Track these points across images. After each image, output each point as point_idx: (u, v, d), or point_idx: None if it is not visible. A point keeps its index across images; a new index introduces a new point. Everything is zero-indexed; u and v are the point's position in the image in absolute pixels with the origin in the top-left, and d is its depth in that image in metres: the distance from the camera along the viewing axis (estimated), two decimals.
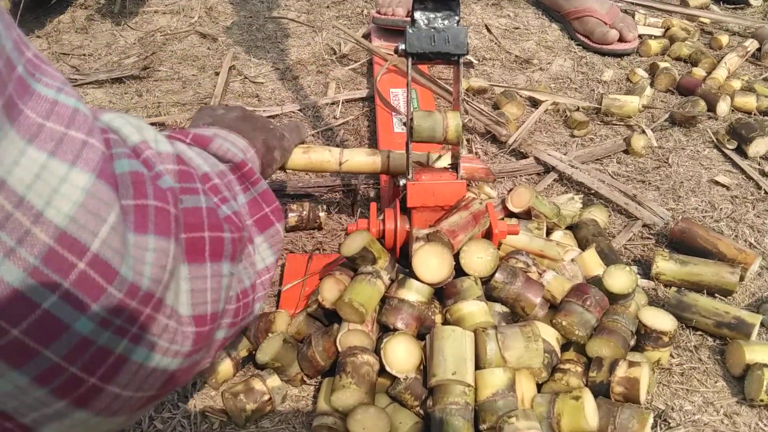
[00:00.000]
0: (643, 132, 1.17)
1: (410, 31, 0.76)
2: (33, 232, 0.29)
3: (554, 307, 0.76)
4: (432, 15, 0.77)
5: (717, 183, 1.06)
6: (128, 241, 0.34)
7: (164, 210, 0.37)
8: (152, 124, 1.16)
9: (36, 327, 0.30)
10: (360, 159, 0.84)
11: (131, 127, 0.41)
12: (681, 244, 0.91)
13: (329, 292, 0.73)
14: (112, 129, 0.40)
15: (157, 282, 0.35)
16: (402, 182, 0.78)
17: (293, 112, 1.21)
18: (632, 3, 1.64)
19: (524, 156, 1.11)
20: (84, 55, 1.41)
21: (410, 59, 0.77)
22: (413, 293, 0.70)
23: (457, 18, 0.77)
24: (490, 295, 0.74)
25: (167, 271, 0.36)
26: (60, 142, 0.31)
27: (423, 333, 0.71)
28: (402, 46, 0.77)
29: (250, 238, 0.52)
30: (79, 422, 0.35)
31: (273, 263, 0.55)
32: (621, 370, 0.68)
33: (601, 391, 0.68)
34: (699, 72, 1.34)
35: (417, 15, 0.77)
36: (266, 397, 0.69)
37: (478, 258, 0.72)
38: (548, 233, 0.89)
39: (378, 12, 1.41)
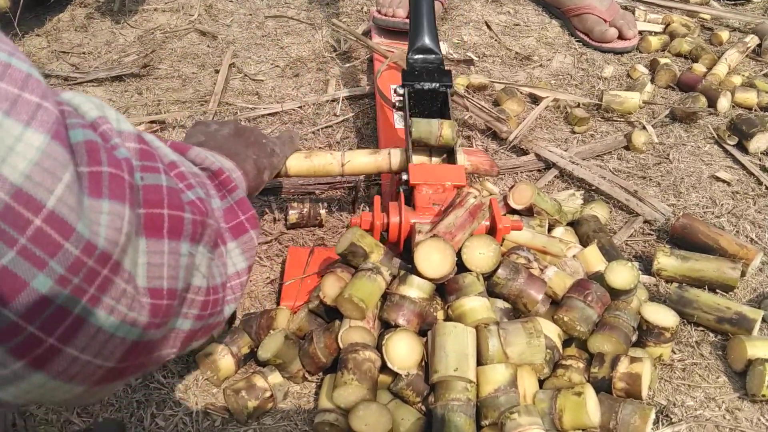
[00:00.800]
0: (644, 128, 1.17)
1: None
2: None
3: (556, 303, 0.76)
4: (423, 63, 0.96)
5: (718, 179, 1.06)
6: (83, 205, 0.34)
7: (118, 176, 0.37)
8: (152, 122, 1.16)
9: None
10: (362, 160, 0.84)
11: (91, 104, 0.41)
12: (682, 239, 0.90)
13: (330, 288, 0.73)
14: (71, 105, 0.40)
15: (113, 243, 0.35)
16: (404, 176, 0.79)
17: (293, 110, 1.21)
18: None
19: (525, 152, 1.10)
20: (84, 53, 1.40)
21: (407, 92, 0.91)
22: (414, 289, 0.70)
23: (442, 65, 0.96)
24: (492, 291, 0.74)
25: (123, 234, 0.36)
26: (14, 102, 0.31)
27: (424, 329, 0.71)
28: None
29: (223, 240, 0.52)
30: (36, 386, 0.35)
31: (245, 269, 0.55)
32: (623, 366, 0.68)
33: (603, 387, 0.68)
34: (699, 68, 1.33)
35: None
36: (268, 394, 0.69)
37: (480, 254, 0.72)
38: (550, 229, 0.89)
39: (378, 11, 1.40)
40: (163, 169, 0.43)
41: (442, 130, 0.82)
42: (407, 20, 1.34)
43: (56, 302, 0.33)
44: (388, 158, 0.84)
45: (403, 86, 0.91)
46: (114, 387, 0.42)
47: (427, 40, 0.97)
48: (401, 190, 0.80)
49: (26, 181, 0.31)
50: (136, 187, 0.39)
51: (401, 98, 0.91)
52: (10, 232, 0.31)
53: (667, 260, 0.85)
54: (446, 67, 0.97)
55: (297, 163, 0.82)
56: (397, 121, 1.11)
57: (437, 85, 0.90)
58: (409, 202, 0.80)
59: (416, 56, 0.97)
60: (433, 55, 0.97)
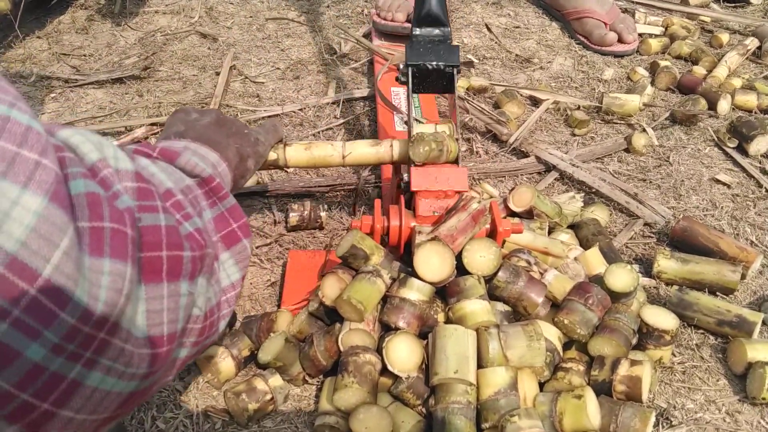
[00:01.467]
0: (644, 131, 1.17)
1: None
2: None
3: (556, 306, 0.76)
4: (428, 36, 0.88)
5: (718, 181, 1.06)
6: (83, 265, 0.33)
7: (120, 232, 0.36)
8: (153, 124, 1.16)
9: None
10: (363, 150, 0.83)
11: (90, 144, 0.39)
12: (682, 242, 0.91)
13: (330, 289, 0.73)
14: (69, 146, 0.39)
15: (112, 306, 0.34)
16: (405, 177, 0.78)
17: (294, 112, 1.21)
18: (633, 2, 1.64)
19: (525, 155, 1.11)
20: (84, 55, 1.41)
21: (411, 70, 0.85)
22: (415, 292, 0.70)
23: (449, 38, 0.88)
24: (492, 294, 0.74)
25: (123, 295, 0.35)
26: (12, 162, 0.30)
27: (425, 332, 0.71)
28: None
29: (216, 255, 0.51)
30: None
31: (239, 280, 0.54)
32: (623, 369, 0.68)
33: (603, 390, 0.68)
34: (699, 70, 1.34)
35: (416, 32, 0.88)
36: (268, 397, 0.69)
37: (481, 257, 0.72)
38: (550, 232, 0.89)
39: (378, 15, 1.41)
40: (161, 207, 0.42)
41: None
42: (406, 24, 1.35)
43: (50, 369, 0.32)
44: (390, 149, 0.83)
45: (406, 65, 0.86)
46: (109, 427, 0.42)
47: (434, 7, 0.88)
48: (401, 186, 0.80)
49: (22, 248, 0.30)
50: (137, 235, 0.38)
51: (404, 74, 0.87)
52: (3, 304, 0.29)
53: (667, 263, 0.85)
54: (453, 43, 0.90)
55: (296, 154, 0.81)
56: (398, 123, 1.11)
57: (442, 64, 0.85)
58: (409, 204, 0.80)
59: (421, 30, 0.89)
60: (440, 29, 0.89)
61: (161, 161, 0.53)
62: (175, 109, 0.70)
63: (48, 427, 0.34)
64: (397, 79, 0.89)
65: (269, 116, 1.20)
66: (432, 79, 0.87)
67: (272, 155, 0.80)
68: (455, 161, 0.81)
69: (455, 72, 0.86)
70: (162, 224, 0.41)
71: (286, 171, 0.88)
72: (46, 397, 0.33)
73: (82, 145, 0.39)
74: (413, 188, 0.77)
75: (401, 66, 0.87)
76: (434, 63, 0.85)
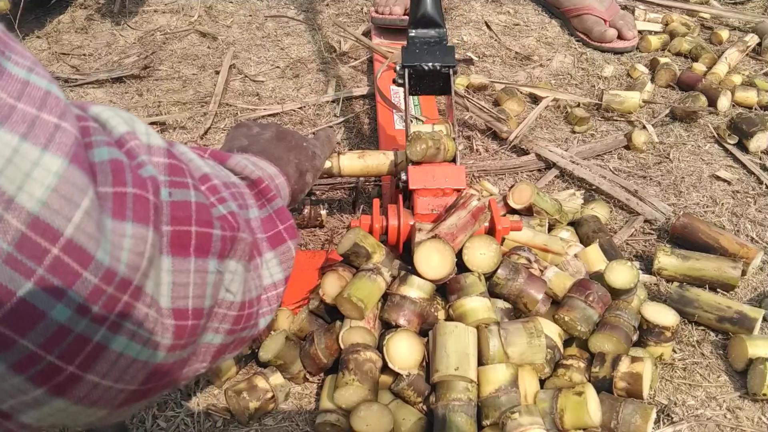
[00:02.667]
0: (644, 127, 1.17)
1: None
2: (5, 219, 0.29)
3: (556, 303, 0.76)
4: (424, 38, 0.89)
5: (718, 178, 1.06)
6: (106, 227, 0.33)
7: (143, 197, 0.36)
8: (152, 123, 1.16)
9: (12, 315, 0.30)
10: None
11: (119, 119, 0.40)
12: (682, 239, 0.91)
13: (331, 287, 0.73)
14: (99, 120, 0.39)
15: (134, 269, 0.35)
16: (403, 176, 0.79)
17: (294, 111, 1.21)
18: None
19: (525, 152, 1.10)
20: (84, 54, 1.41)
21: (407, 71, 0.86)
22: (415, 290, 0.70)
23: (445, 39, 0.88)
24: (492, 291, 0.74)
25: (146, 258, 0.36)
26: (32, 125, 0.30)
27: (425, 329, 0.71)
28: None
29: (259, 250, 0.51)
30: (57, 410, 0.35)
31: (281, 280, 0.54)
32: (624, 366, 0.68)
33: (604, 387, 0.68)
34: (699, 67, 1.33)
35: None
36: (269, 395, 0.69)
37: (481, 254, 0.72)
38: (550, 229, 0.89)
39: (376, 11, 1.41)
40: (192, 185, 0.42)
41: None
42: (404, 17, 1.35)
43: (75, 331, 0.33)
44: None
45: (402, 67, 0.87)
46: (139, 406, 0.41)
47: (429, 9, 0.89)
48: (399, 185, 0.80)
49: (43, 208, 0.30)
50: (162, 206, 0.38)
51: (401, 76, 0.87)
52: (27, 263, 0.30)
53: (667, 259, 0.85)
54: (449, 44, 0.91)
55: (350, 163, 0.83)
56: (398, 122, 1.11)
57: (438, 65, 0.86)
58: (407, 201, 0.80)
59: (417, 31, 0.90)
60: (435, 30, 0.90)
61: (209, 160, 0.53)
62: (236, 123, 0.72)
63: (74, 390, 0.34)
64: (394, 81, 0.89)
65: (269, 114, 1.20)
66: (428, 80, 0.87)
67: (326, 164, 0.81)
68: (453, 160, 0.81)
69: (451, 72, 0.86)
70: (192, 200, 0.41)
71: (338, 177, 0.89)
72: (71, 359, 0.33)
73: (112, 119, 0.40)
74: (411, 187, 0.77)
75: (398, 68, 0.87)
76: (430, 64, 0.86)
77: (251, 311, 0.49)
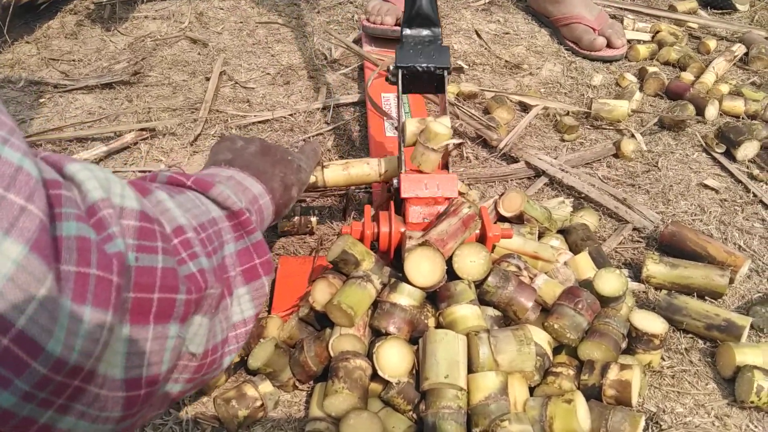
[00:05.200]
0: (633, 136, 1.18)
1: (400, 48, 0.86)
2: None
3: (546, 310, 0.76)
4: (418, 37, 0.88)
5: (706, 186, 1.07)
6: (63, 309, 0.33)
7: (105, 279, 0.35)
8: (142, 129, 1.16)
9: None
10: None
11: (96, 181, 0.39)
12: (671, 247, 0.91)
13: (321, 294, 0.73)
14: (75, 182, 0.38)
15: (87, 356, 0.34)
16: (395, 182, 0.79)
17: (284, 117, 1.21)
18: (621, 8, 1.65)
19: (515, 160, 1.11)
20: (74, 60, 1.40)
21: (401, 72, 0.85)
22: (405, 297, 0.70)
23: (440, 39, 0.87)
24: (482, 298, 0.74)
25: (100, 344, 0.35)
26: None
27: (415, 337, 0.71)
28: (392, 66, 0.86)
29: (230, 289, 0.51)
30: None
31: (252, 317, 0.54)
32: (612, 373, 0.68)
33: (593, 394, 0.68)
34: (687, 76, 1.35)
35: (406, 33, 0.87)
36: (258, 403, 0.69)
37: (471, 262, 0.73)
38: (539, 237, 0.89)
39: (367, 20, 1.41)
40: (161, 249, 0.41)
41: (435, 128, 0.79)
42: (395, 28, 1.35)
43: (20, 415, 0.32)
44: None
45: (396, 67, 0.85)
46: None
47: (424, 7, 0.87)
48: (390, 191, 0.80)
49: None
50: (126, 280, 0.37)
51: (394, 75, 0.86)
52: None
53: (656, 267, 0.86)
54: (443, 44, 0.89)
55: (333, 175, 0.83)
56: (388, 129, 1.11)
57: (433, 66, 0.84)
58: (399, 209, 0.80)
59: (411, 30, 0.88)
60: (430, 29, 0.88)
61: (191, 193, 0.52)
62: (220, 137, 0.71)
63: None
64: (387, 79, 0.88)
65: (260, 122, 1.20)
66: (422, 80, 0.86)
67: (311, 177, 0.81)
68: (446, 166, 0.81)
69: (446, 74, 0.86)
70: (159, 266, 0.40)
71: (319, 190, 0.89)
72: None
73: (88, 182, 0.38)
74: (403, 195, 0.77)
75: (391, 67, 0.87)
76: (424, 65, 0.85)
77: (214, 357, 0.48)
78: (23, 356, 0.31)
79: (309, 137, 1.16)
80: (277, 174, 0.66)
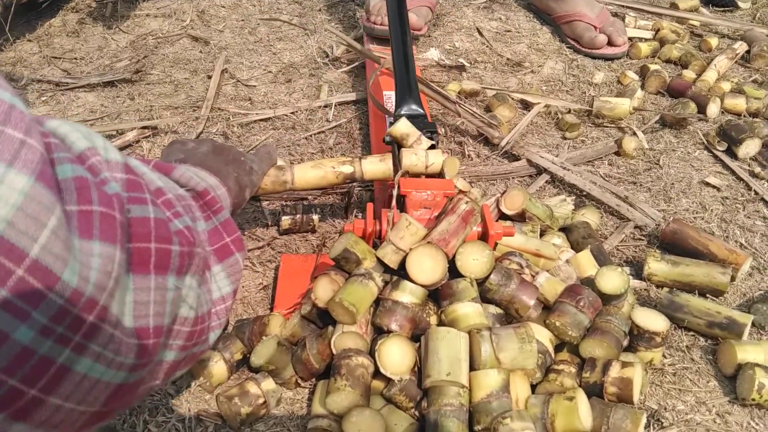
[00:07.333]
0: (634, 134, 1.18)
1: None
2: None
3: (547, 308, 0.76)
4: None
5: (707, 184, 1.07)
6: (73, 246, 0.32)
7: (109, 216, 0.35)
8: (144, 127, 1.16)
9: None
10: (374, 167, 0.85)
11: (78, 133, 0.39)
12: (672, 245, 0.91)
13: (323, 291, 0.73)
14: (57, 135, 0.38)
15: (101, 289, 0.34)
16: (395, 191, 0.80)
17: (286, 115, 1.21)
18: (622, 6, 1.65)
19: (517, 158, 1.11)
20: (75, 58, 1.40)
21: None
22: (407, 295, 0.71)
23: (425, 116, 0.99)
24: (484, 296, 0.74)
25: (112, 278, 0.35)
26: None
27: (417, 335, 0.71)
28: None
29: (208, 264, 0.51)
30: None
31: (230, 293, 0.54)
32: (614, 371, 0.68)
33: (595, 392, 0.68)
34: (689, 74, 1.35)
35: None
36: (261, 401, 0.69)
37: (474, 260, 0.73)
38: (541, 235, 0.89)
39: (368, 19, 1.41)
40: (150, 200, 0.42)
41: (428, 159, 0.85)
42: None
43: (39, 353, 0.32)
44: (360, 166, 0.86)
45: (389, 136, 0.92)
46: (97, 428, 0.41)
47: (413, 106, 0.99)
48: (392, 194, 0.80)
49: (8, 228, 0.29)
50: (126, 221, 0.38)
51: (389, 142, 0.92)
52: None
53: (657, 265, 0.86)
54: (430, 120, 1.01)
55: (302, 174, 0.82)
56: (390, 126, 1.11)
57: (423, 131, 0.92)
58: (401, 209, 0.80)
59: (402, 110, 1.00)
60: (419, 114, 0.99)
61: (156, 172, 0.52)
62: (170, 141, 0.71)
63: (35, 415, 0.33)
64: (386, 111, 0.98)
65: (261, 120, 1.20)
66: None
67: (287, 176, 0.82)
68: (440, 173, 0.85)
69: (434, 134, 0.93)
70: (151, 216, 0.41)
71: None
72: (34, 382, 0.32)
73: (71, 134, 0.39)
74: (402, 191, 0.79)
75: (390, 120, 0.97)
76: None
77: (203, 326, 0.48)
78: (39, 286, 0.30)
79: (310, 135, 1.16)
80: (231, 173, 0.65)
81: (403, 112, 0.98)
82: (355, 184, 1.00)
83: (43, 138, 0.33)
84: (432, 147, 0.90)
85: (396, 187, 0.80)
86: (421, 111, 1.00)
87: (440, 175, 0.86)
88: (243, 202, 0.69)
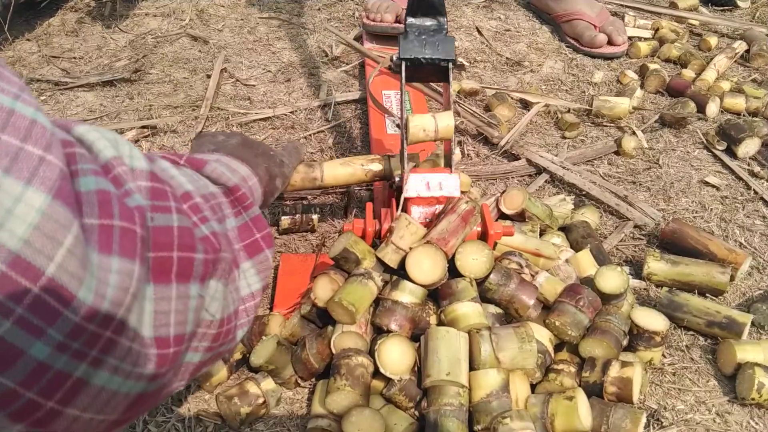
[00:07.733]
0: (634, 133, 1.18)
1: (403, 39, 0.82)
2: None
3: (547, 308, 0.76)
4: (423, 26, 0.84)
5: (707, 184, 1.07)
6: (92, 262, 0.33)
7: (130, 230, 0.36)
8: (144, 127, 1.16)
9: None
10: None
11: (105, 141, 0.39)
12: (672, 244, 0.91)
13: (323, 290, 0.73)
14: (84, 142, 0.38)
15: (118, 305, 0.34)
16: (397, 179, 0.79)
17: (285, 115, 1.21)
18: (622, 5, 1.65)
19: (516, 157, 1.11)
20: (74, 58, 1.40)
21: (404, 63, 0.82)
22: (407, 295, 0.71)
23: (445, 29, 0.84)
24: (484, 296, 0.74)
25: (130, 294, 0.35)
26: (15, 158, 0.29)
27: (417, 334, 0.71)
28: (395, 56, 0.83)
29: (236, 263, 0.51)
30: None
31: (259, 290, 0.54)
32: (614, 370, 0.68)
33: (595, 391, 0.68)
34: (688, 73, 1.35)
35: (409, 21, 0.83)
36: (260, 400, 0.69)
37: (474, 259, 0.73)
38: (541, 235, 0.89)
39: (367, 17, 1.41)
40: (175, 208, 0.42)
41: (437, 123, 0.78)
42: (395, 25, 1.35)
43: (55, 367, 0.32)
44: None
45: (399, 58, 0.83)
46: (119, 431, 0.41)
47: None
48: (393, 187, 0.80)
49: (25, 247, 0.29)
50: (147, 234, 0.38)
51: (397, 67, 0.83)
52: (6, 303, 0.29)
53: (657, 265, 0.86)
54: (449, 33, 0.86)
55: (331, 171, 0.82)
56: (389, 126, 1.11)
57: (437, 59, 0.82)
58: (401, 206, 0.80)
59: (415, 19, 0.84)
60: (435, 18, 0.84)
61: (186, 168, 0.53)
62: (198, 133, 0.71)
63: (53, 425, 0.34)
64: (389, 68, 0.86)
65: (261, 119, 1.20)
66: (426, 71, 0.84)
67: (315, 173, 0.81)
68: (448, 164, 0.81)
69: (450, 66, 0.83)
70: (174, 225, 0.41)
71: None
72: (51, 395, 0.33)
73: (98, 142, 0.39)
74: (406, 195, 0.77)
75: (395, 57, 0.84)
76: (428, 57, 0.82)
77: (230, 326, 0.48)
78: (55, 304, 0.31)
79: (310, 134, 1.16)
80: (261, 163, 0.65)
81: (412, 21, 0.83)
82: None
83: (66, 148, 0.33)
84: (461, 66, 0.82)
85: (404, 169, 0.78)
86: (438, 16, 0.83)
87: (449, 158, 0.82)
88: (275, 191, 0.69)
